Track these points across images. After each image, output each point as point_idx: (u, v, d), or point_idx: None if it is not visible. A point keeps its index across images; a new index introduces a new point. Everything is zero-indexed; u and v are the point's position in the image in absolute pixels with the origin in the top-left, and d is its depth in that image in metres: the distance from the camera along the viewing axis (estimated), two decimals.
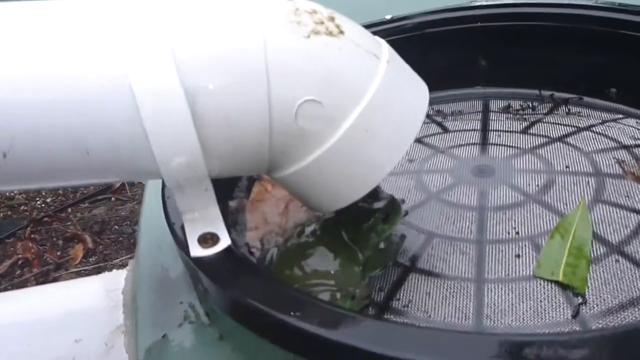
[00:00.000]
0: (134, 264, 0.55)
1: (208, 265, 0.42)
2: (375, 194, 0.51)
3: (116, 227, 1.82)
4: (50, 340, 0.50)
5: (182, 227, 0.45)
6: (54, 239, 1.82)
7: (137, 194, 1.92)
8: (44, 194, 1.99)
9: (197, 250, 0.43)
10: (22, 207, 1.96)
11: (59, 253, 1.75)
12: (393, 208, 0.50)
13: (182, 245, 0.44)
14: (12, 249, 1.78)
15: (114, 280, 0.54)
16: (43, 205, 1.96)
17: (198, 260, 0.42)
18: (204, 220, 0.45)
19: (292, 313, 0.37)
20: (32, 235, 1.83)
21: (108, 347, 0.50)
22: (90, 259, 1.71)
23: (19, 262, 1.72)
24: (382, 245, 0.50)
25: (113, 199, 1.95)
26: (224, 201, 0.60)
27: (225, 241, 0.43)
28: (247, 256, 0.43)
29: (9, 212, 1.96)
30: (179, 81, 0.37)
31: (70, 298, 0.53)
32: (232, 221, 0.58)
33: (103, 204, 1.93)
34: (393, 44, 0.46)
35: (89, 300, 0.53)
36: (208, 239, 0.44)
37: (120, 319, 0.51)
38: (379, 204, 0.50)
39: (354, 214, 0.50)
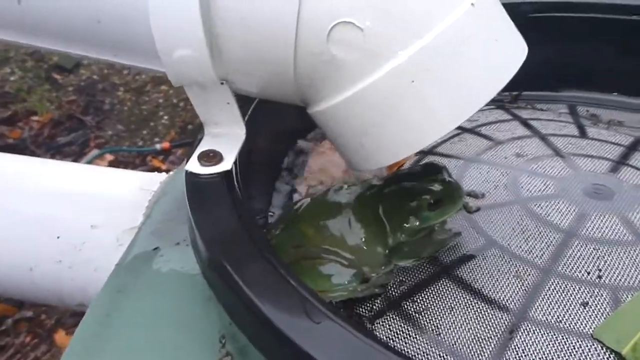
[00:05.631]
0: (175, 170, 0.51)
1: (191, 182, 0.37)
2: (438, 173, 0.41)
3: None
4: (69, 217, 0.49)
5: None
6: None
7: None
8: None
9: (193, 166, 0.38)
10: None
11: None
12: (451, 197, 0.40)
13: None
14: None
15: (152, 181, 0.51)
16: None
17: (188, 175, 0.37)
18: (223, 139, 0.39)
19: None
20: None
21: (118, 243, 0.48)
22: None
23: None
24: (421, 234, 0.41)
25: None
26: (293, 140, 0.54)
27: (226, 165, 0.38)
28: (237, 188, 0.37)
29: None
30: None
31: (106, 184, 0.52)
32: (291, 162, 0.53)
33: None
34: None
35: (121, 192, 0.51)
36: (211, 157, 0.38)
37: (139, 219, 0.48)
38: (434, 187, 0.40)
39: (400, 188, 0.42)
